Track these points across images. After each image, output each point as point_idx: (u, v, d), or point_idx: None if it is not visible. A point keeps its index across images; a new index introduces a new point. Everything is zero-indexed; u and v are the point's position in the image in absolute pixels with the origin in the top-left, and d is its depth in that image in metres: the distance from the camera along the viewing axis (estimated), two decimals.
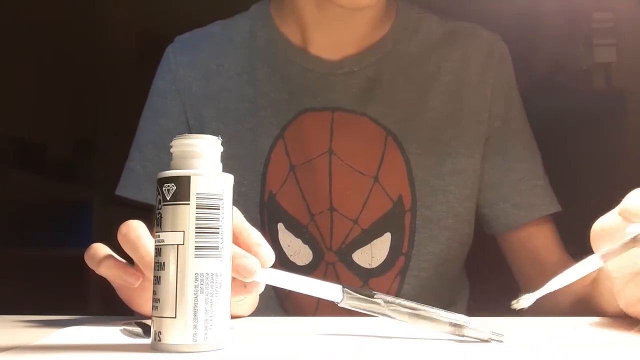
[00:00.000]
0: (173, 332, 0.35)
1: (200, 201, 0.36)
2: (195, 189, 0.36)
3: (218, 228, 0.36)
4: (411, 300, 0.42)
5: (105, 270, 0.45)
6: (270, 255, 0.43)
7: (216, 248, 0.36)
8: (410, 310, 0.41)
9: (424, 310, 0.41)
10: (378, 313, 0.41)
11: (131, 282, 0.45)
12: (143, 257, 0.42)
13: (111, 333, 0.43)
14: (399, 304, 0.41)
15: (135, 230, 0.43)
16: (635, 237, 0.41)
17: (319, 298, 0.43)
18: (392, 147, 0.74)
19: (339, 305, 0.42)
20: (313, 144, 0.74)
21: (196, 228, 0.35)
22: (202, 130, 0.76)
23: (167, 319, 0.35)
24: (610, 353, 0.37)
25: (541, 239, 0.77)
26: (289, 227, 0.73)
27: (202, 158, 0.37)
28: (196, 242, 0.35)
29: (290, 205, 0.73)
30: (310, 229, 0.73)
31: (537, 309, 0.44)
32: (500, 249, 0.80)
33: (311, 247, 0.73)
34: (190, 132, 0.76)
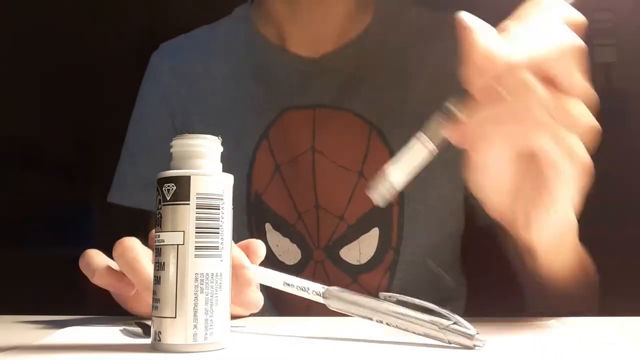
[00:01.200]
0: (173, 332, 0.35)
1: (200, 201, 0.36)
2: (195, 189, 0.36)
3: (218, 228, 0.36)
4: (404, 294, 0.41)
5: (99, 280, 0.45)
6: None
7: (216, 248, 0.36)
8: (399, 309, 0.40)
9: (410, 315, 0.40)
10: (363, 316, 0.41)
11: (126, 292, 0.45)
12: (141, 280, 0.42)
13: (111, 333, 0.43)
14: (388, 310, 0.40)
15: (131, 251, 0.43)
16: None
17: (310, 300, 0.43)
18: (376, 142, 0.73)
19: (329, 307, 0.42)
20: (296, 142, 0.74)
21: (196, 228, 0.35)
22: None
23: (167, 319, 0.35)
24: (608, 353, 0.37)
25: None
26: (276, 227, 0.73)
27: (202, 158, 0.37)
28: (196, 242, 0.35)
29: (277, 205, 0.73)
30: (298, 227, 0.72)
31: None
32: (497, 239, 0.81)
33: (299, 246, 0.73)
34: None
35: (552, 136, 0.41)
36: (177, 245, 0.35)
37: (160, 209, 0.36)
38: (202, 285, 0.35)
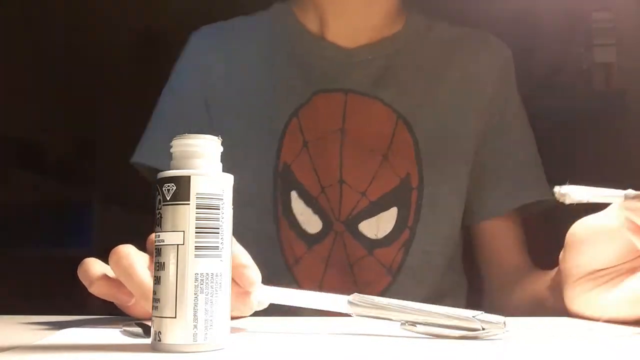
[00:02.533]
0: (173, 332, 0.35)
1: (200, 201, 0.36)
2: (195, 189, 0.36)
3: (218, 228, 0.36)
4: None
5: (97, 290, 0.45)
6: (257, 277, 0.44)
7: (216, 248, 0.36)
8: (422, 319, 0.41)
9: (436, 315, 0.41)
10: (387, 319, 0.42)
11: (125, 302, 0.45)
12: (138, 288, 0.42)
13: (111, 333, 0.43)
14: (411, 310, 0.42)
15: (127, 258, 0.43)
16: None
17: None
18: (402, 129, 0.79)
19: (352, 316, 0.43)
20: (326, 122, 0.79)
21: (196, 228, 0.35)
22: (219, 111, 0.82)
23: (167, 319, 0.35)
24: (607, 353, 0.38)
25: (509, 238, 0.82)
26: (301, 196, 0.78)
27: (202, 158, 0.37)
28: (196, 242, 0.35)
29: (303, 176, 0.78)
30: (321, 200, 0.77)
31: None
32: (473, 240, 0.85)
33: (321, 217, 0.77)
34: (208, 113, 0.82)
35: None
36: (177, 245, 0.35)
37: (160, 209, 0.36)
38: (202, 285, 0.35)
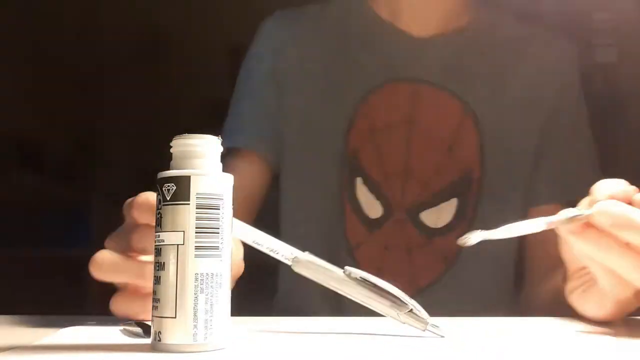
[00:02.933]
0: (173, 332, 0.35)
1: (200, 201, 0.36)
2: (195, 189, 0.36)
3: (218, 228, 0.36)
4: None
5: (110, 269, 0.46)
6: None
7: (216, 248, 0.36)
8: (363, 286, 0.43)
9: (376, 285, 0.43)
10: (331, 285, 0.43)
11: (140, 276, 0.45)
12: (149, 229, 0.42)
13: (111, 333, 0.43)
14: (356, 278, 0.43)
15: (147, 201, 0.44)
16: (578, 216, 0.45)
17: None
18: (467, 121, 0.80)
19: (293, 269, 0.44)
20: (394, 111, 0.80)
21: (196, 228, 0.35)
22: (290, 94, 0.84)
23: (167, 319, 0.35)
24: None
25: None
26: (365, 182, 0.79)
27: (202, 158, 0.37)
28: (196, 242, 0.35)
29: (368, 164, 0.80)
30: (384, 187, 0.79)
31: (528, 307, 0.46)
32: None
33: (382, 204, 0.79)
34: (279, 96, 0.84)
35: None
36: (177, 245, 0.35)
37: (161, 209, 0.36)
38: (202, 285, 0.35)
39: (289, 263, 0.44)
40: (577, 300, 0.53)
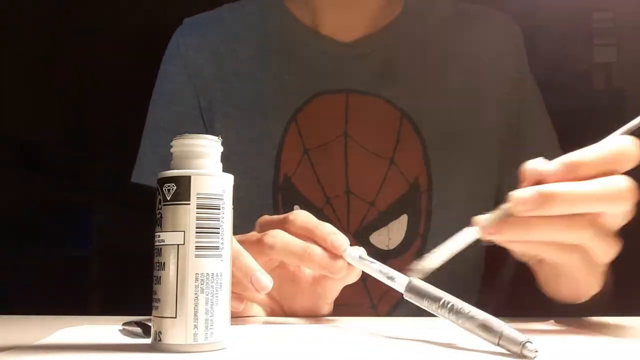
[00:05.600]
0: (173, 332, 0.35)
1: (201, 201, 0.36)
2: (195, 189, 0.36)
3: (218, 228, 0.36)
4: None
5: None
6: (345, 241, 0.50)
7: (216, 248, 0.36)
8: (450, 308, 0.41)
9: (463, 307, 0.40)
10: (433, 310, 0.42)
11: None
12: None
13: (111, 333, 0.43)
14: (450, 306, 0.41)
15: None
16: (507, 208, 0.44)
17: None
18: (407, 129, 0.74)
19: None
20: (327, 127, 0.74)
21: (196, 228, 0.35)
22: (213, 114, 0.76)
23: (168, 319, 0.35)
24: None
25: None
26: (304, 210, 0.75)
27: (202, 158, 0.37)
28: (196, 242, 0.35)
29: (305, 189, 0.73)
30: (326, 212, 0.73)
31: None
32: None
33: None
34: (202, 116, 0.76)
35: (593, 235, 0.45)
36: (178, 245, 0.35)
37: (161, 209, 0.36)
38: (202, 285, 0.35)
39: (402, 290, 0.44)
40: (554, 289, 0.52)
